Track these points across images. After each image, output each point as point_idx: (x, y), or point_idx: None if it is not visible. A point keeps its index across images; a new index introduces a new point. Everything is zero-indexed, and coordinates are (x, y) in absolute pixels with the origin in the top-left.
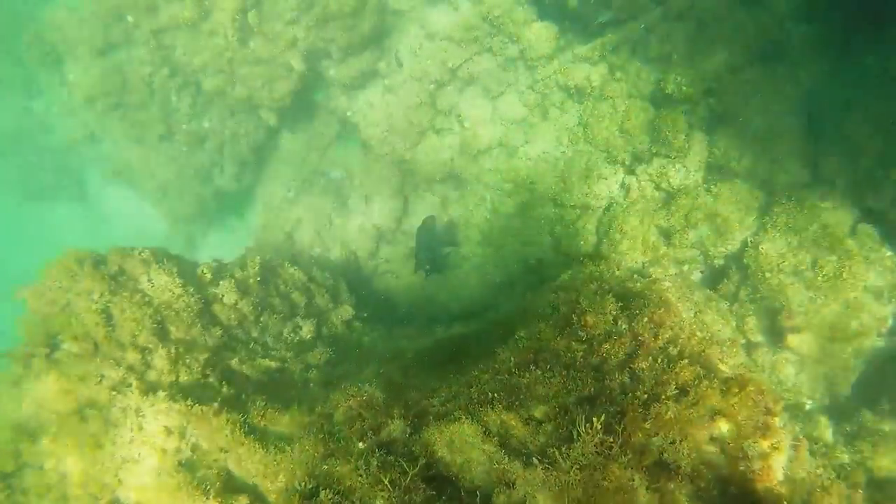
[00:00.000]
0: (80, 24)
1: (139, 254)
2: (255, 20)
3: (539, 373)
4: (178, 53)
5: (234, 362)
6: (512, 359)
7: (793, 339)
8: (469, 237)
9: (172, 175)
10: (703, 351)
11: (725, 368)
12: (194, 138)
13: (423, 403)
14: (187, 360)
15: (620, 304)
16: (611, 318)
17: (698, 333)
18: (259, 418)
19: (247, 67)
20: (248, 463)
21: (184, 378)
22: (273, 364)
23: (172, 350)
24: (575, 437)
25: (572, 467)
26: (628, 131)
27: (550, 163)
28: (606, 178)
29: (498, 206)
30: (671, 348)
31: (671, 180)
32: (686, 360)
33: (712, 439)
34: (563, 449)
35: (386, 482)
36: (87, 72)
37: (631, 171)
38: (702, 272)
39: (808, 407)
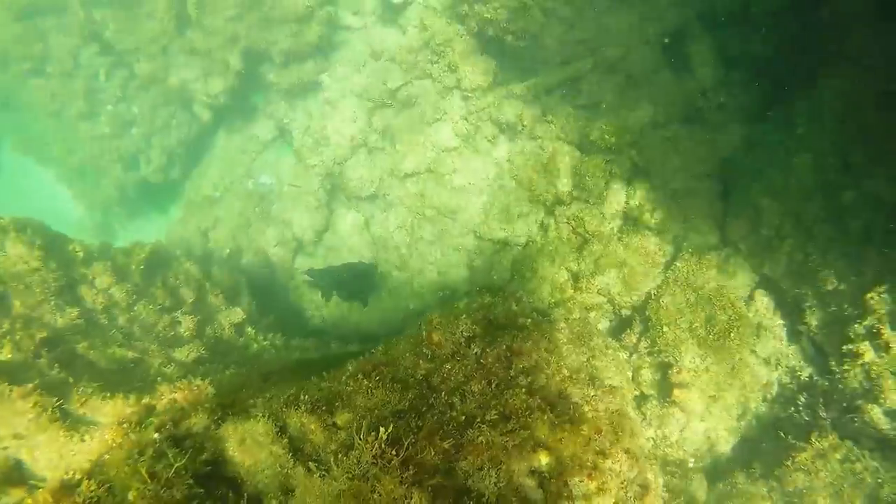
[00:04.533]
0: None
1: None
2: (195, 10)
3: (366, 382)
4: (109, 31)
5: (82, 346)
6: (349, 368)
7: (679, 395)
8: (388, 260)
9: (91, 157)
10: (565, 389)
11: (588, 410)
12: (120, 122)
13: (248, 403)
14: (18, 337)
15: (476, 327)
16: (461, 339)
17: (564, 371)
18: (79, 405)
19: (182, 57)
20: (44, 452)
21: (6, 356)
22: (130, 354)
23: (6, 324)
24: (355, 445)
25: (343, 475)
26: (552, 173)
27: (474, 194)
28: (526, 216)
29: (418, 232)
30: (521, 378)
31: (587, 225)
32: (524, 390)
33: (532, 472)
34: (339, 456)
35: (143, 472)
36: (2, 29)
37: (550, 212)
38: (610, 321)
39: (690, 464)
